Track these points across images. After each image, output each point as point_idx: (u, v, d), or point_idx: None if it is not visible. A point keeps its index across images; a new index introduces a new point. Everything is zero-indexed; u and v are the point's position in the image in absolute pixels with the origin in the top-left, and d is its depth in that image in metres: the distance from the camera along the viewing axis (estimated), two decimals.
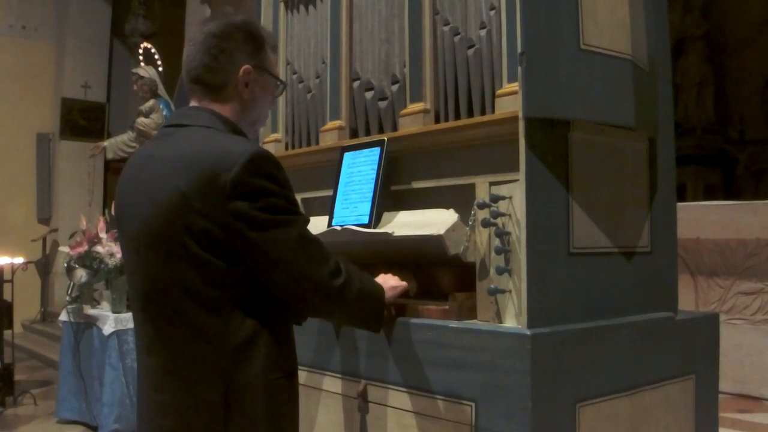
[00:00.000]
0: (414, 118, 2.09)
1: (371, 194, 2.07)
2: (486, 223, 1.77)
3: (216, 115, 1.56)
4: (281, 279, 1.48)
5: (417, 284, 1.98)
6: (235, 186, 1.40)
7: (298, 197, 2.47)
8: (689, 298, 4.92)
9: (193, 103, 1.61)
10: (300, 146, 2.56)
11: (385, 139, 2.11)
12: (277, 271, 1.47)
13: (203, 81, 1.58)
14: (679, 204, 2.36)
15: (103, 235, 4.60)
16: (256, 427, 1.47)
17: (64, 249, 4.86)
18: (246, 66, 1.58)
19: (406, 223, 2.00)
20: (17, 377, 5.62)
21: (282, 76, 2.66)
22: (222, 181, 1.40)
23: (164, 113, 6.26)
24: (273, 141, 2.65)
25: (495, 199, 1.78)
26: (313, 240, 1.52)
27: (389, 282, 1.80)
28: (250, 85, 1.59)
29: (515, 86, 1.75)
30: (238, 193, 1.40)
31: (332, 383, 2.07)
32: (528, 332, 1.61)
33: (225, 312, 1.45)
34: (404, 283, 1.85)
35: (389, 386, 1.88)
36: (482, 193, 1.86)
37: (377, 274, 1.82)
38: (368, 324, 1.69)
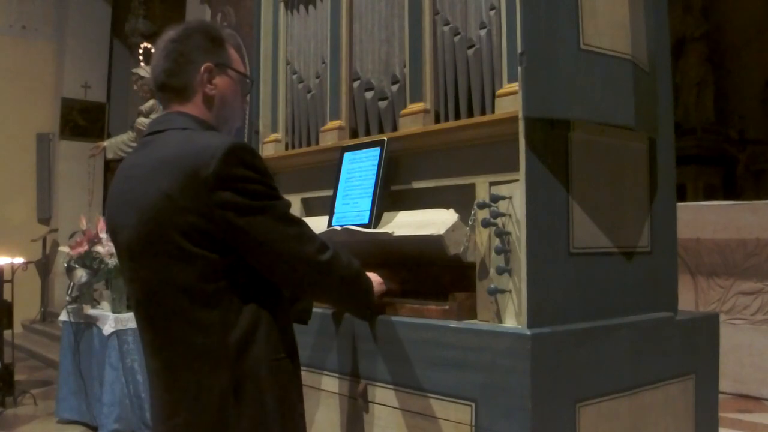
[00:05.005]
0: (414, 118, 2.09)
1: (372, 191, 2.07)
2: (486, 223, 1.77)
3: (189, 117, 1.61)
4: (271, 261, 1.52)
5: (399, 284, 2.01)
6: (217, 178, 1.43)
7: (298, 197, 2.47)
8: (689, 298, 4.92)
9: (166, 111, 1.65)
10: (300, 146, 2.56)
11: (385, 139, 2.11)
12: (267, 255, 1.51)
13: (167, 86, 1.63)
14: (679, 204, 2.36)
15: (103, 235, 4.60)
16: (265, 408, 1.51)
17: (64, 249, 4.86)
18: (207, 64, 1.62)
19: (406, 223, 2.00)
20: (17, 377, 5.63)
21: (282, 75, 2.66)
22: (203, 176, 1.43)
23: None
24: (273, 141, 2.65)
25: (495, 199, 1.78)
26: (298, 221, 1.57)
27: (374, 278, 1.86)
28: (214, 82, 1.63)
29: (515, 86, 1.75)
30: (220, 184, 1.44)
31: (331, 383, 2.07)
32: (528, 332, 1.61)
33: (223, 304, 1.48)
34: (384, 287, 1.91)
35: (389, 386, 1.88)
36: (482, 193, 1.86)
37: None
38: (357, 304, 1.75)
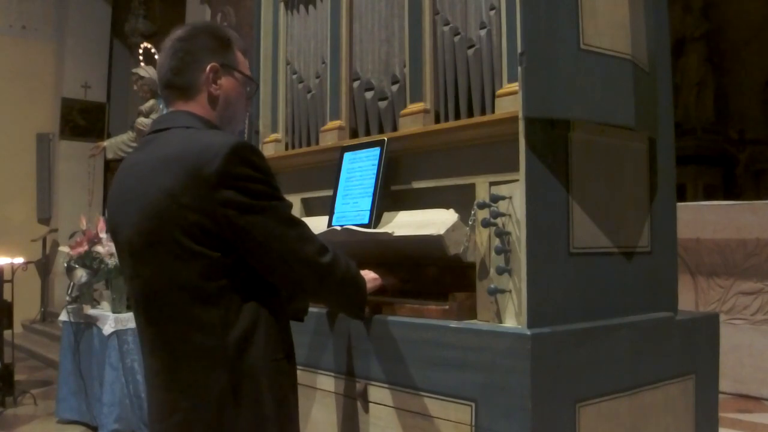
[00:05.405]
0: (414, 118, 2.09)
1: (372, 190, 2.07)
2: (486, 223, 1.77)
3: (193, 116, 1.61)
4: (271, 261, 1.52)
5: (397, 281, 2.02)
6: (220, 176, 1.43)
7: (298, 197, 2.47)
8: (689, 298, 4.91)
9: (170, 109, 1.65)
10: (300, 146, 2.56)
11: (385, 139, 2.11)
12: (267, 255, 1.51)
13: (173, 84, 1.63)
14: (679, 204, 2.36)
15: (103, 235, 4.60)
16: (263, 409, 1.51)
17: (64, 249, 4.86)
18: (213, 63, 1.62)
19: (406, 223, 2.00)
20: (17, 377, 5.63)
21: (282, 75, 2.66)
22: (207, 173, 1.43)
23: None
24: (273, 141, 2.65)
25: (495, 199, 1.78)
26: (299, 222, 1.58)
27: (369, 275, 1.86)
28: (219, 82, 1.63)
29: (515, 86, 1.75)
30: (223, 182, 1.44)
31: (328, 382, 2.07)
32: (528, 332, 1.61)
33: (223, 302, 1.48)
34: (381, 282, 1.91)
35: (389, 386, 1.88)
36: (482, 193, 1.86)
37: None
38: (353, 305, 1.76)
